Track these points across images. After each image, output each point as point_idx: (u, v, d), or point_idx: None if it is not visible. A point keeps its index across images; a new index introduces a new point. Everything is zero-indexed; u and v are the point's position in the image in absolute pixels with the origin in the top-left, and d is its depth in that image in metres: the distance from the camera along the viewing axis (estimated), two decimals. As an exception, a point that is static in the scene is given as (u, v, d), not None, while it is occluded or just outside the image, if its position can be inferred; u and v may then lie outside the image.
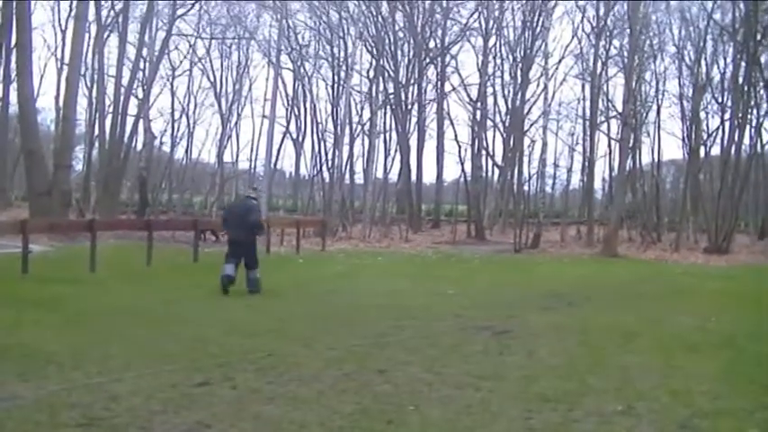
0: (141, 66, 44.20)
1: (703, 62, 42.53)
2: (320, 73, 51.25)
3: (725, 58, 42.91)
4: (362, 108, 49.37)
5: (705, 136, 43.75)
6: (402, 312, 12.83)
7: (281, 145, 53.29)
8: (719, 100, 42.77)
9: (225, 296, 14.51)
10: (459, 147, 50.13)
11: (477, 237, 42.56)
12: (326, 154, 49.38)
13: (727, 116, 40.60)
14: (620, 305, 14.88)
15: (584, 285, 18.88)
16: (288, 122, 52.94)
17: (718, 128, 42.42)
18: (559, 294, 16.44)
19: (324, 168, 49.29)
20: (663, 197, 49.19)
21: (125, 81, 41.42)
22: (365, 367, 8.54)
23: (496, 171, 49.32)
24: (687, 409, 7.09)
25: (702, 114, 43.53)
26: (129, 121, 41.41)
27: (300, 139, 53.50)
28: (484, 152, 48.58)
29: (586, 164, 47.08)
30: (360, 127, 49.02)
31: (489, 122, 49.11)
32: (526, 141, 48.00)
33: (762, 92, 39.83)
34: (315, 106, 50.78)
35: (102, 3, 43.18)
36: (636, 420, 6.73)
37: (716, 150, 43.73)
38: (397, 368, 8.54)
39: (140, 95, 44.06)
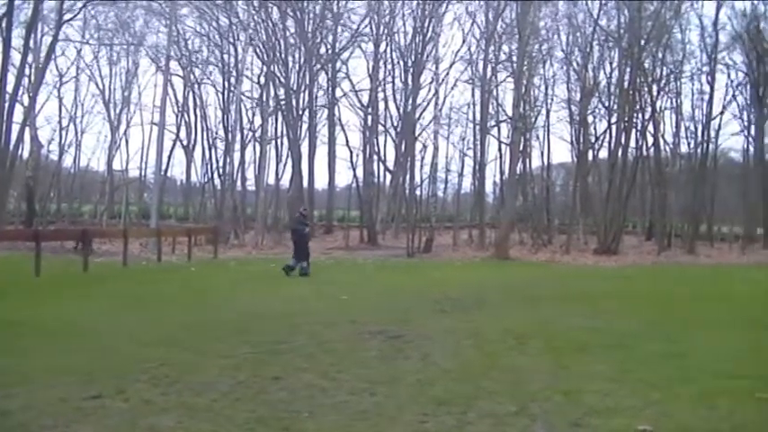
0: (27, 72, 42.92)
1: (590, 67, 43.71)
2: (210, 79, 50.86)
3: (611, 63, 44.18)
4: (253, 114, 49.25)
5: (593, 139, 44.95)
6: (296, 319, 12.78)
7: (171, 152, 52.51)
8: (606, 104, 43.98)
9: (118, 306, 14.21)
10: (351, 152, 50.43)
11: (370, 242, 42.79)
12: (217, 161, 49.09)
13: (613, 120, 41.77)
14: (513, 308, 15.11)
15: (476, 289, 19.15)
16: (178, 129, 52.21)
17: (605, 131, 43.66)
18: (453, 298, 16.60)
19: (215, 175, 48.97)
20: (553, 200, 50.28)
21: (10, 88, 40.17)
22: (260, 375, 8.45)
23: (388, 176, 49.66)
24: (579, 408, 7.22)
25: (590, 118, 44.70)
26: (15, 128, 40.20)
27: (191, 146, 52.86)
28: (375, 157, 48.92)
29: (477, 168, 47.79)
30: (251, 133, 48.77)
31: (381, 128, 49.45)
32: (418, 146, 48.49)
33: (646, 96, 41.14)
34: (205, 113, 50.40)
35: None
36: (529, 420, 6.82)
37: (604, 153, 44.99)
38: (292, 375, 8.49)
39: (26, 102, 42.77)
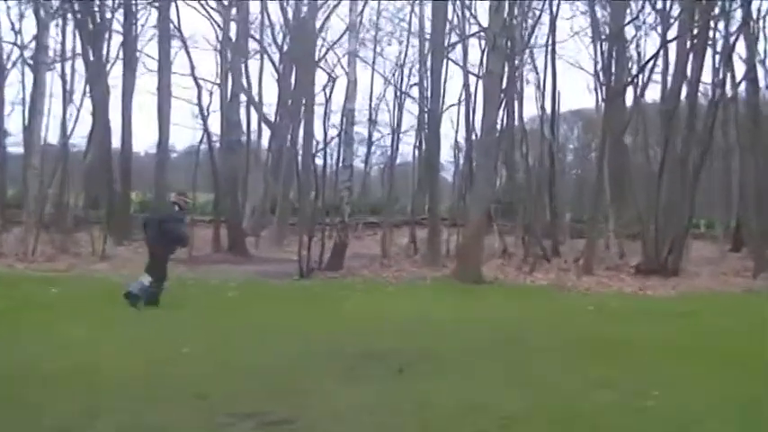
0: None
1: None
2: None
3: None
4: (21, 17, 48.67)
5: (635, 69, 45.03)
6: (100, 388, 12.64)
7: None
8: (657, 5, 44.00)
9: None
10: (200, 89, 50.16)
11: (235, 250, 42.74)
12: (-50, 100, 48.43)
13: (671, 34, 41.85)
14: (489, 370, 15.04)
15: (423, 335, 19.07)
16: None
17: (656, 55, 43.74)
18: (380, 351, 16.46)
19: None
20: (562, 176, 50.60)
21: None
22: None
23: (267, 133, 49.64)
24: None
25: (629, 31, 44.86)
26: None
27: None
28: (243, 97, 48.69)
29: (426, 119, 47.71)
30: (16, 50, 48.24)
31: (254, 45, 49.31)
32: (320, 77, 48.43)
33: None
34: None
35: None
36: None
37: (653, 94, 45.11)
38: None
39: None
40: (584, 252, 39.54)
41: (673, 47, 41.13)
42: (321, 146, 48.10)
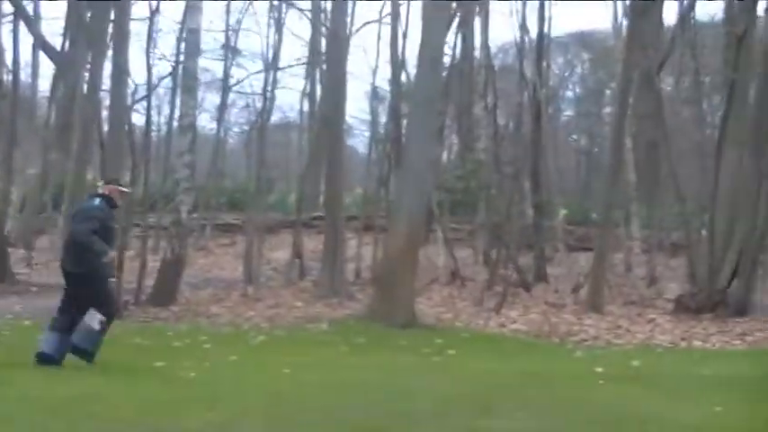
0: None
1: None
2: None
3: None
4: None
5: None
6: None
7: None
8: None
9: None
10: None
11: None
12: None
13: None
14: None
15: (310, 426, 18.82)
16: None
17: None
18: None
19: None
20: (553, 147, 50.90)
21: None
22: None
23: (48, 67, 49.99)
24: None
25: None
26: None
27: None
28: (7, 7, 48.93)
29: (322, 45, 47.88)
30: None
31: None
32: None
33: None
34: None
35: None
36: None
37: (711, 6, 45.62)
38: None
39: None
40: (588, 275, 39.69)
41: None
42: (142, 93, 48.30)
